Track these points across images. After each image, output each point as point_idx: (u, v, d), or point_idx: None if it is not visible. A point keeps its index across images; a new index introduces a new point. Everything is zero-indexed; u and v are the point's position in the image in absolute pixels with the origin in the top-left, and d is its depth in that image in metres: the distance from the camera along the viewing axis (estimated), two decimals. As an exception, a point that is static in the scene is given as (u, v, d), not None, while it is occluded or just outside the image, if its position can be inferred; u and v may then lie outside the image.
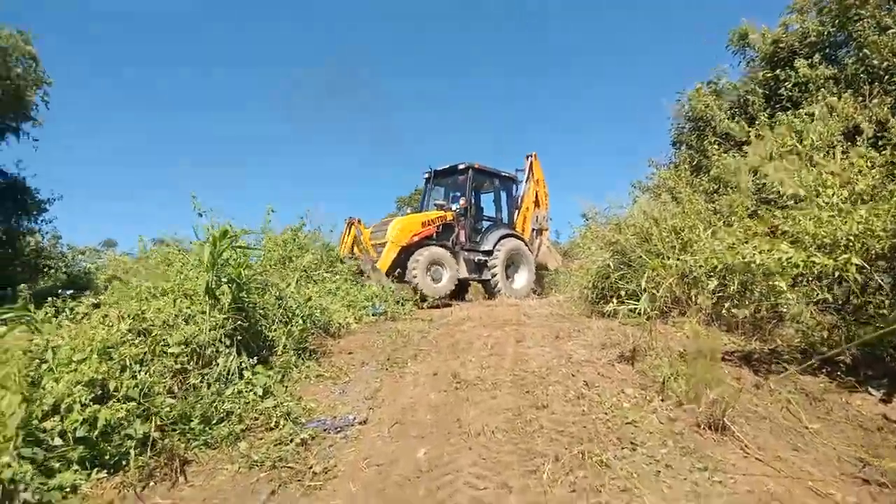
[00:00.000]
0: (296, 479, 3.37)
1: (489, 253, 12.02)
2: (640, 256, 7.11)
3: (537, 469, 3.30)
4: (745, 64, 9.86)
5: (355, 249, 10.42)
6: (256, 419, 4.14)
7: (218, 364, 4.47)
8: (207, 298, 4.63)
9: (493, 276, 11.87)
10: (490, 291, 12.21)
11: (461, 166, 12.07)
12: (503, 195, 13.26)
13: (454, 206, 11.91)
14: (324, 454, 3.67)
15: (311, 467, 3.48)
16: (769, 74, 8.52)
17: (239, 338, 4.64)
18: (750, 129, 8.69)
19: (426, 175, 12.80)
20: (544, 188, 13.93)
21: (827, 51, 8.26)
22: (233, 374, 4.48)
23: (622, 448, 3.53)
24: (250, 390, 4.29)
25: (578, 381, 4.75)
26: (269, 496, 3.22)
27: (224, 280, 4.73)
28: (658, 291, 6.26)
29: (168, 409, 3.85)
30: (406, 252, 10.65)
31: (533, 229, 13.61)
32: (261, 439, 3.91)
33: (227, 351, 4.54)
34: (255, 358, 4.73)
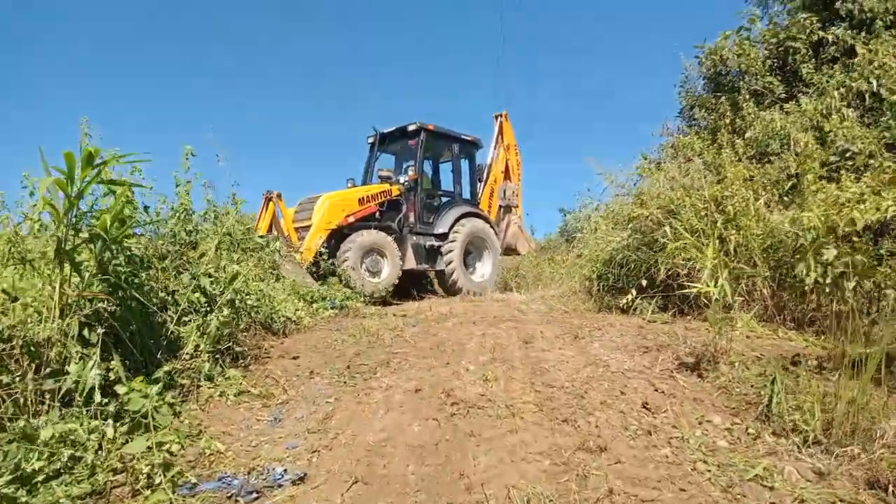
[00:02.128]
0: None
1: (444, 237, 9.69)
2: (675, 229, 5.51)
3: None
4: (768, 19, 8.40)
5: (274, 233, 8.06)
6: (116, 473, 2.40)
7: (67, 374, 2.72)
8: (57, 265, 2.86)
9: (449, 265, 9.57)
10: (445, 285, 9.92)
11: (411, 128, 9.67)
12: (464, 164, 10.77)
13: (402, 179, 9.61)
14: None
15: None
16: (815, 19, 7.04)
17: (103, 330, 2.87)
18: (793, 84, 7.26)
19: (370, 139, 10.36)
20: (517, 156, 11.63)
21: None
22: (93, 392, 2.72)
23: (774, 540, 1.92)
24: (110, 421, 2.55)
25: (634, 403, 3.15)
26: None
27: (86, 235, 2.96)
28: (710, 276, 4.72)
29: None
30: (339, 237, 8.38)
31: (500, 206, 11.25)
32: (114, 516, 2.19)
33: (85, 353, 2.79)
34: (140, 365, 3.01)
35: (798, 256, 3.81)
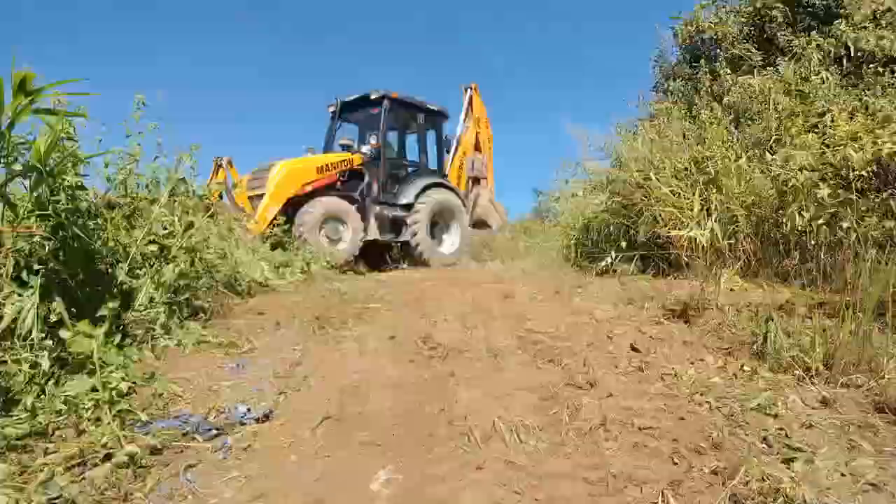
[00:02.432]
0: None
1: (408, 207, 9.28)
2: (658, 186, 5.36)
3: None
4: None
5: (225, 201, 7.43)
6: (59, 415, 2.14)
7: (3, 314, 2.43)
8: (-12, 202, 2.56)
9: (415, 236, 9.15)
10: (412, 257, 9.40)
11: (373, 96, 9.20)
12: (430, 135, 10.37)
13: (364, 148, 9.13)
14: (170, 487, 1.73)
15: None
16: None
17: (44, 270, 2.59)
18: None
19: (331, 108, 9.80)
20: (487, 129, 11.26)
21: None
22: (29, 333, 2.43)
23: (785, 459, 1.76)
24: (45, 353, 2.28)
25: (622, 346, 2.99)
26: None
27: (19, 166, 2.66)
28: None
29: None
30: (296, 207, 7.85)
31: (468, 178, 10.81)
32: (52, 454, 1.92)
33: (21, 292, 2.50)
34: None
35: (788, 199, 3.68)
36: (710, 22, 7.47)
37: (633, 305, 3.91)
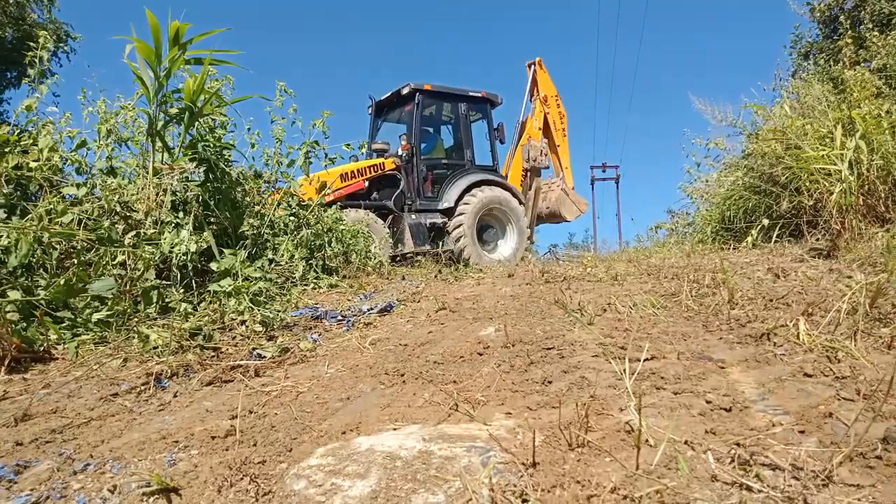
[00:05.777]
0: (213, 367, 1.60)
1: (450, 212, 7.91)
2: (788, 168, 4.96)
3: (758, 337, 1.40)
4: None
5: None
6: (206, 317, 2.39)
7: (163, 240, 2.78)
8: (150, 142, 2.97)
9: (459, 242, 7.74)
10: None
11: (404, 91, 8.12)
12: (480, 126, 8.97)
13: (399, 150, 7.94)
14: (296, 343, 1.87)
15: (256, 350, 1.71)
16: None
17: (201, 208, 2.93)
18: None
19: (369, 109, 8.86)
20: (558, 107, 9.47)
21: None
22: (186, 256, 2.75)
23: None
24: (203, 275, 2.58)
25: (758, 272, 2.78)
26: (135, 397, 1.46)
27: (174, 112, 3.04)
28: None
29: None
30: None
31: (525, 170, 9.03)
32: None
33: (177, 220, 2.85)
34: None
35: None
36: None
37: (774, 255, 3.63)
